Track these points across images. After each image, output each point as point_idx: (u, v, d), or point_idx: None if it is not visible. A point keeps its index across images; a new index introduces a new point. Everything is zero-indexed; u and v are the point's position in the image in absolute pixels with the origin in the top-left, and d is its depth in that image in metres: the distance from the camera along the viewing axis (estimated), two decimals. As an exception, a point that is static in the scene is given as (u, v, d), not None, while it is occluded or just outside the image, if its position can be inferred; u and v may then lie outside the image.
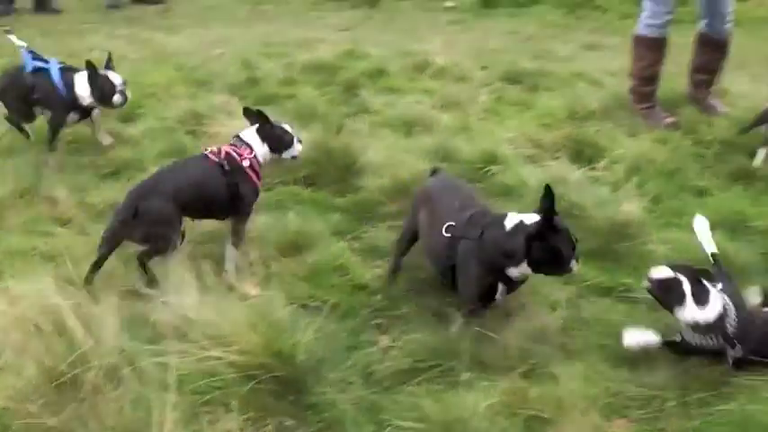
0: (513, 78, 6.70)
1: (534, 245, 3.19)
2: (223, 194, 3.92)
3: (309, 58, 7.16)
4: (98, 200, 4.55)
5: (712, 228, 3.75)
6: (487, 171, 4.99)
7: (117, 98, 5.17)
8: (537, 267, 3.27)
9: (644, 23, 5.94)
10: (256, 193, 4.05)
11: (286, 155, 4.20)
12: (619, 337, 3.29)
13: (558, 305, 3.64)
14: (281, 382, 3.06)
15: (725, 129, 5.62)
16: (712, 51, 6.08)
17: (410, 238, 3.81)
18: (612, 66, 7.21)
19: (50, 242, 4.08)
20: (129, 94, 5.24)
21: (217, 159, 3.94)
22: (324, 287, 3.79)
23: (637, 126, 5.75)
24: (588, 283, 3.89)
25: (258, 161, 4.06)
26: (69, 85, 5.15)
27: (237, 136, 4.09)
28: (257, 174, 4.04)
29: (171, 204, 3.78)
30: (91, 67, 5.10)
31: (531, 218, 3.26)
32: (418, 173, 4.58)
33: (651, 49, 5.95)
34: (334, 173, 4.87)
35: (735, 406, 3.10)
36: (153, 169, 4.21)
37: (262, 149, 4.09)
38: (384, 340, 3.49)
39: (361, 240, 4.28)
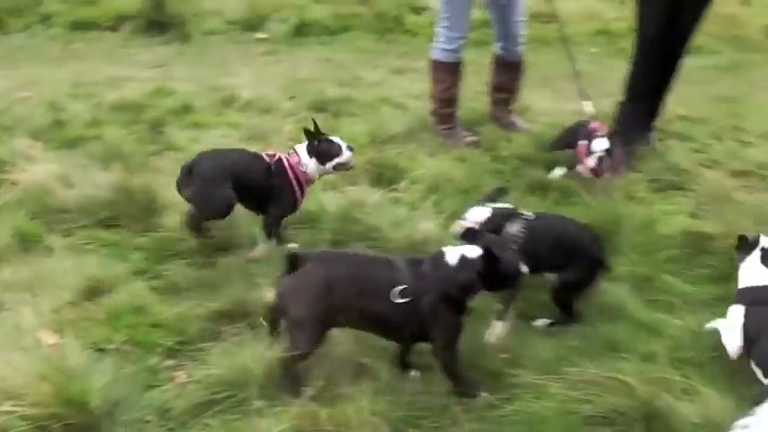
0: (318, 107, 6.79)
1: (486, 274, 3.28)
2: (262, 187, 4.41)
3: (117, 97, 7.07)
4: None
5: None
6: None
7: None
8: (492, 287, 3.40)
9: (439, 48, 6.15)
10: (292, 199, 4.48)
11: (336, 164, 4.58)
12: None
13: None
14: (74, 430, 3.05)
15: (523, 145, 5.88)
16: (508, 72, 6.35)
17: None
18: (417, 89, 7.38)
19: None
20: None
21: (267, 160, 4.44)
22: (122, 329, 3.76)
23: (438, 147, 5.93)
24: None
25: (305, 173, 4.48)
26: None
27: (293, 148, 4.58)
28: (300, 183, 4.47)
29: (222, 170, 4.31)
30: None
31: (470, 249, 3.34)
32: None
33: (448, 73, 6.16)
34: (134, 212, 4.83)
35: (521, 405, 3.27)
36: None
37: (310, 162, 4.50)
38: (181, 376, 3.50)
39: (161, 279, 4.26)
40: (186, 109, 6.74)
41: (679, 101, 6.07)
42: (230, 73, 8.06)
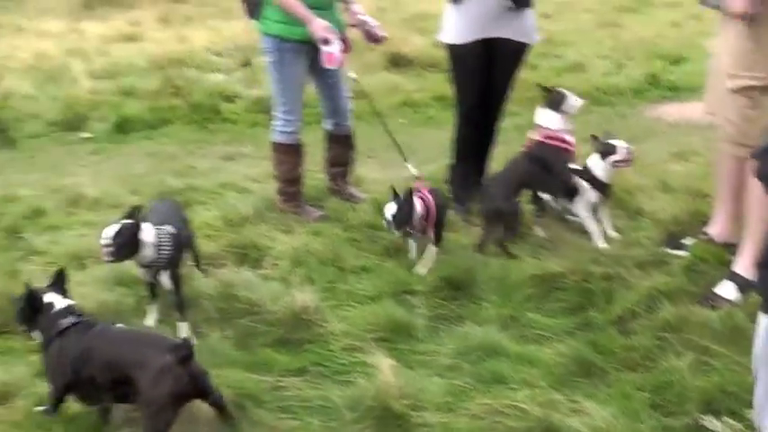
0: (167, 196, 6.95)
1: None
2: None
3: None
4: None
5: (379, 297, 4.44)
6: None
7: None
8: None
9: (278, 131, 6.45)
10: None
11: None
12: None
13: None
14: None
15: (368, 212, 6.26)
16: (341, 146, 6.76)
17: None
18: (253, 172, 7.70)
19: None
20: None
21: None
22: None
23: (290, 224, 6.22)
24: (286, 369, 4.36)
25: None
26: None
27: None
28: None
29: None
30: None
31: None
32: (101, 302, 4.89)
33: (289, 154, 6.50)
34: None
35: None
36: None
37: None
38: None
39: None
40: (37, 213, 6.78)
41: (498, 158, 6.61)
42: (67, 173, 8.12)
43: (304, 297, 4.87)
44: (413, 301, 4.99)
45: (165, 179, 7.57)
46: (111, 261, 4.71)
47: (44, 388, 4.10)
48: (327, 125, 6.73)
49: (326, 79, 6.38)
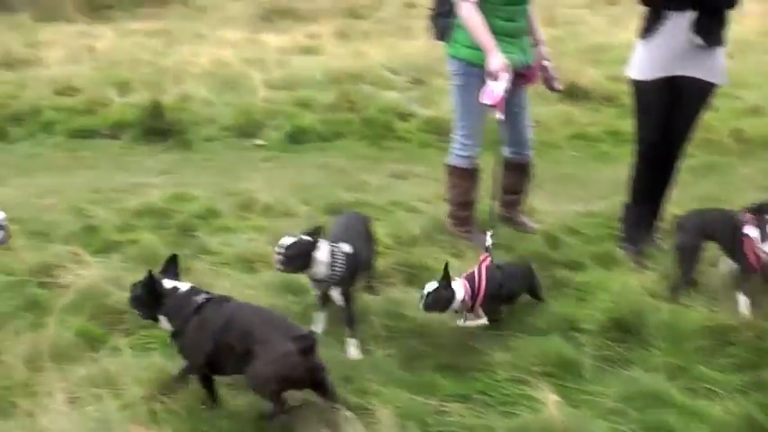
0: (335, 210, 7.05)
1: None
2: None
3: (139, 203, 7.36)
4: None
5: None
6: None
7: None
8: None
9: (455, 155, 6.49)
10: None
11: None
12: None
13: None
14: None
15: (538, 244, 6.22)
16: (519, 174, 6.73)
17: None
18: (424, 193, 7.75)
19: None
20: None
21: None
22: (204, 421, 4.05)
23: (460, 247, 6.24)
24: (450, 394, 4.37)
25: None
26: None
27: None
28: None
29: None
30: None
31: None
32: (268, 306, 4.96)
33: (464, 179, 6.52)
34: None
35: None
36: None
37: None
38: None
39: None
40: (211, 214, 7.02)
41: (669, 201, 6.46)
42: (240, 178, 8.38)
43: (471, 324, 4.90)
44: (580, 340, 4.90)
45: (336, 192, 7.70)
46: (281, 270, 4.84)
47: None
48: (506, 152, 6.69)
49: (511, 107, 6.33)
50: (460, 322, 5.04)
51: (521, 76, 6.28)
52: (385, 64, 13.52)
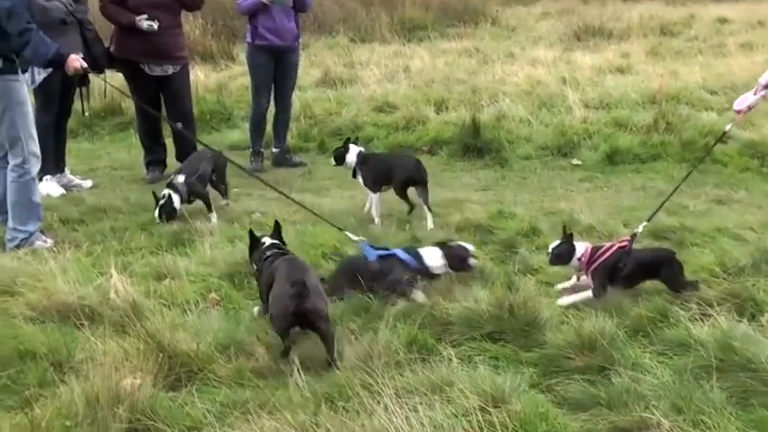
0: (659, 234, 7.05)
1: None
2: None
3: (462, 218, 7.62)
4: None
5: None
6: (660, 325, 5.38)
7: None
8: None
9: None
10: None
11: None
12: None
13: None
14: None
15: None
16: None
17: None
18: (748, 220, 7.54)
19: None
20: None
21: None
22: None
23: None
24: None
25: None
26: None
27: None
28: None
29: None
30: None
31: None
32: (600, 328, 5.04)
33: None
34: (518, 328, 5.28)
35: None
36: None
37: None
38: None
39: (554, 393, 4.69)
40: (533, 231, 7.17)
41: None
42: (559, 197, 8.49)
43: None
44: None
45: (658, 216, 7.58)
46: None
47: (538, 400, 4.46)
48: None
49: None
50: (562, 300, 5.79)
51: None
52: (701, 84, 13.21)
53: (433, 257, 5.97)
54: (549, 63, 15.45)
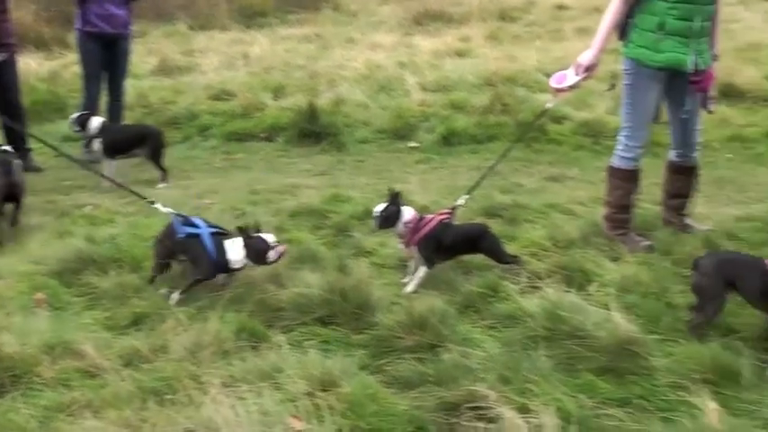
0: (492, 212, 7.11)
1: None
2: None
3: (295, 203, 7.52)
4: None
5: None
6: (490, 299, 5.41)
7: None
8: None
9: (618, 156, 6.44)
10: None
11: None
12: None
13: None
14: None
15: (697, 247, 6.06)
16: (685, 177, 6.63)
17: None
18: (579, 195, 7.68)
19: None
20: None
21: None
22: (364, 417, 4.09)
23: (618, 251, 6.16)
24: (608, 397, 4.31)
25: None
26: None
27: None
28: None
29: None
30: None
31: None
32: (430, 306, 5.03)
33: (626, 180, 6.43)
34: (350, 311, 5.22)
35: None
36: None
37: None
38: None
39: (384, 373, 4.63)
40: (367, 214, 7.08)
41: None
42: (395, 180, 8.46)
43: (629, 327, 4.80)
44: (739, 346, 4.73)
45: (492, 194, 7.68)
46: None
47: (367, 381, 4.42)
48: (672, 156, 6.62)
49: (681, 112, 6.29)
50: (406, 284, 5.77)
51: (691, 82, 6.16)
52: (537, 67, 13.44)
53: (235, 251, 5.60)
54: (389, 47, 15.50)
